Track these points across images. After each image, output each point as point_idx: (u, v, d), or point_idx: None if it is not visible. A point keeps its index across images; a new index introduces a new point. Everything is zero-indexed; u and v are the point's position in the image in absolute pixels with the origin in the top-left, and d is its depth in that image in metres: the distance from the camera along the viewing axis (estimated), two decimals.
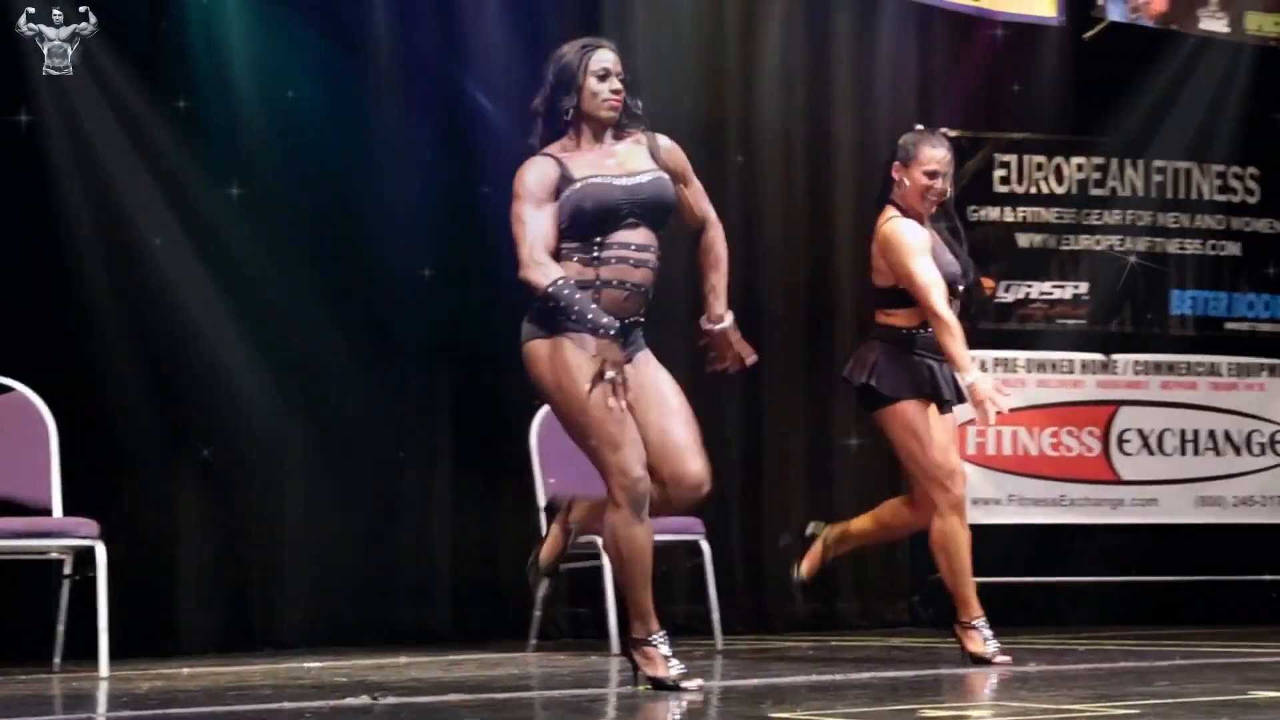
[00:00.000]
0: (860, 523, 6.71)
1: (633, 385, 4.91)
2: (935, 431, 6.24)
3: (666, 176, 5.13)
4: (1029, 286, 9.02)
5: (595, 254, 5.02)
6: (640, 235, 5.06)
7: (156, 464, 7.53)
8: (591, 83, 5.08)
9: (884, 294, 6.34)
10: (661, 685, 4.99)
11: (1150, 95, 9.46)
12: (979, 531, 8.67)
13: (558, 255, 5.01)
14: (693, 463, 5.04)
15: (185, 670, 6.46)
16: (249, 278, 7.78)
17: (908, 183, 6.24)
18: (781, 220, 9.01)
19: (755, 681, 5.68)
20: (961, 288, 6.30)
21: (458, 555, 8.16)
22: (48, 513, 6.68)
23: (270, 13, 7.94)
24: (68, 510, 6.70)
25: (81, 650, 6.53)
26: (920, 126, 6.43)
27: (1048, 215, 9.03)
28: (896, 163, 6.30)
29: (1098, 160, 9.33)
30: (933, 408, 6.28)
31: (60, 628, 6.73)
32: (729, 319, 5.32)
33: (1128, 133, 9.39)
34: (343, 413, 7.86)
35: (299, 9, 7.97)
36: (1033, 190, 9.05)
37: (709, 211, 5.34)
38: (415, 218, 8.08)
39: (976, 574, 6.39)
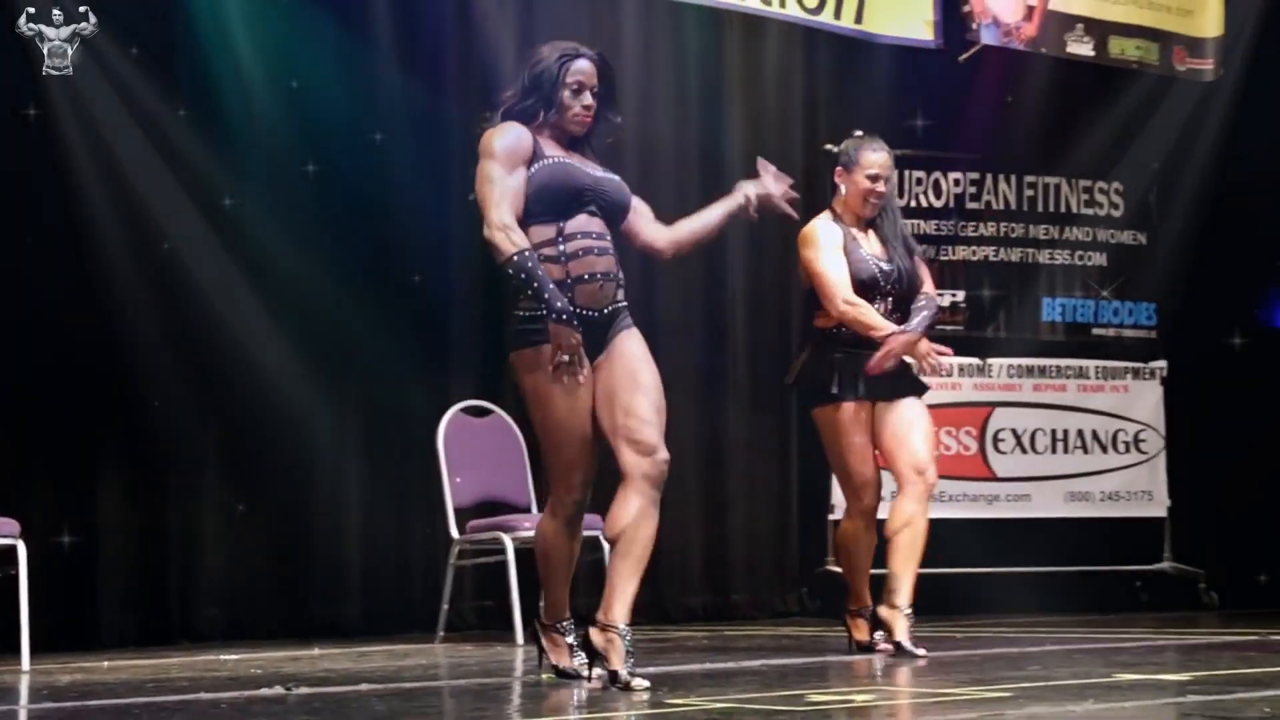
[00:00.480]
0: (892, 558, 6.23)
1: (610, 360, 4.82)
2: (848, 437, 6.15)
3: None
4: None
5: (560, 248, 4.78)
6: (598, 225, 4.87)
7: (75, 466, 7.45)
8: (565, 95, 4.88)
9: (810, 296, 6.27)
10: (564, 674, 4.95)
11: (1021, 114, 9.54)
12: None
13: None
14: (648, 430, 4.81)
15: (105, 663, 6.41)
16: (184, 282, 7.70)
17: (847, 188, 6.21)
18: None
19: (653, 670, 5.65)
20: (887, 285, 6.15)
21: (367, 552, 8.12)
22: None
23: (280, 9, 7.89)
24: None
25: (3, 644, 6.45)
26: (859, 133, 6.34)
27: (926, 227, 9.07)
28: (839, 168, 6.26)
29: (973, 175, 9.39)
30: (907, 403, 6.18)
31: None
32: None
33: (1001, 150, 9.47)
34: (256, 416, 7.79)
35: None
36: (912, 204, 9.09)
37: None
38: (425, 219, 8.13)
39: (871, 568, 6.35)
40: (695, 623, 8.50)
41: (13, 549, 6.36)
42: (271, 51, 7.90)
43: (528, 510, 7.60)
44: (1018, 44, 8.77)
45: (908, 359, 6.12)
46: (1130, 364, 9.54)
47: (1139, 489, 9.40)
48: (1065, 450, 9.33)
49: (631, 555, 4.78)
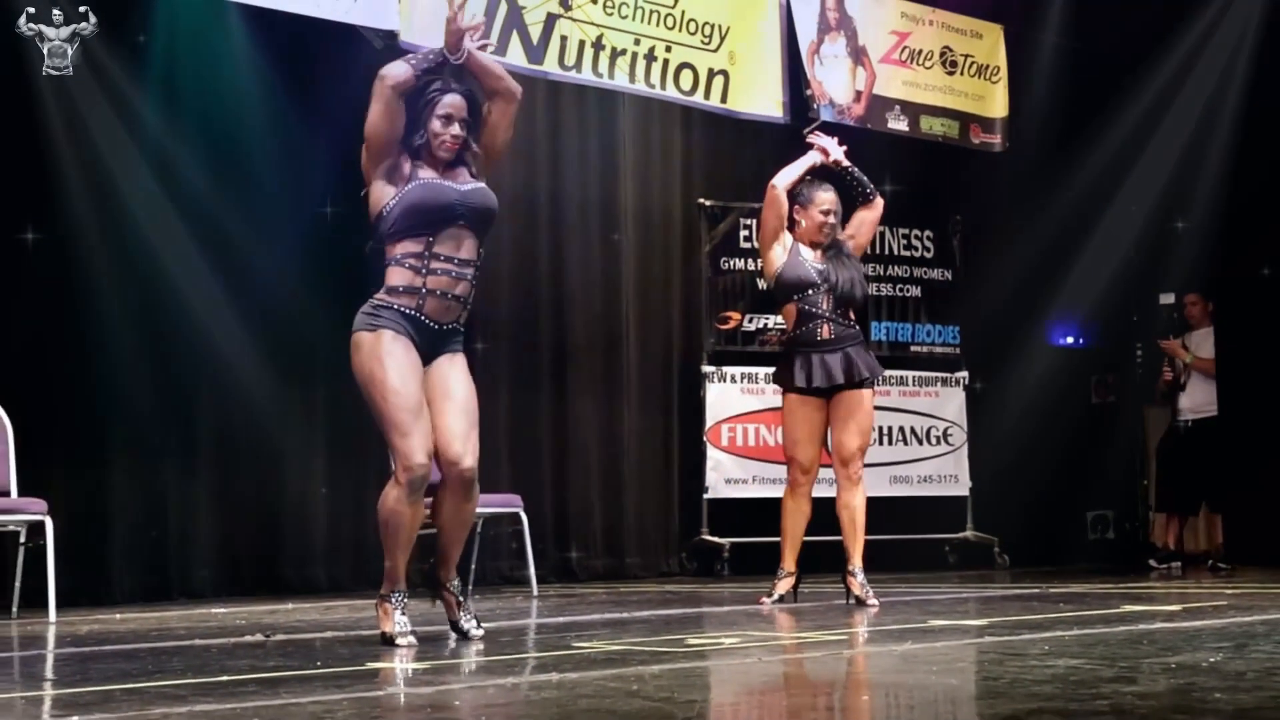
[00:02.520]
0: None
1: (432, 378, 4.44)
2: (799, 427, 6.04)
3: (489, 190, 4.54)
4: (766, 319, 9.09)
5: (425, 264, 4.38)
6: (466, 249, 4.44)
7: (91, 454, 7.31)
8: (435, 124, 4.45)
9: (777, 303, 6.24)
10: (385, 640, 4.44)
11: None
12: (730, 504, 8.81)
13: (391, 263, 4.43)
14: (456, 444, 4.43)
15: (118, 615, 6.31)
16: (167, 287, 7.42)
17: (805, 221, 6.15)
18: (581, 269, 9.01)
19: (562, 619, 5.66)
20: (824, 285, 6.05)
21: (332, 523, 8.04)
22: (5, 494, 6.49)
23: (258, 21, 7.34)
24: (22, 491, 6.52)
25: (34, 601, 6.34)
26: (811, 178, 6.26)
27: None
28: (797, 206, 6.18)
29: None
30: (854, 393, 6.02)
31: (17, 584, 6.51)
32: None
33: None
34: (241, 404, 7.66)
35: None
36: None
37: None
38: None
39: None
40: (597, 581, 8.47)
41: (42, 523, 6.26)
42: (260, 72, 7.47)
43: None
44: (849, 120, 8.83)
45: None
46: (940, 374, 9.63)
47: (947, 473, 9.49)
48: (890, 443, 9.39)
49: (455, 537, 4.60)
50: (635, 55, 7.85)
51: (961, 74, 9.35)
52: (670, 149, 9.38)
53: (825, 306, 6.04)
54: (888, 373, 9.44)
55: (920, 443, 9.46)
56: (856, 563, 6.01)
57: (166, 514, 7.55)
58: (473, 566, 7.63)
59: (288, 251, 7.73)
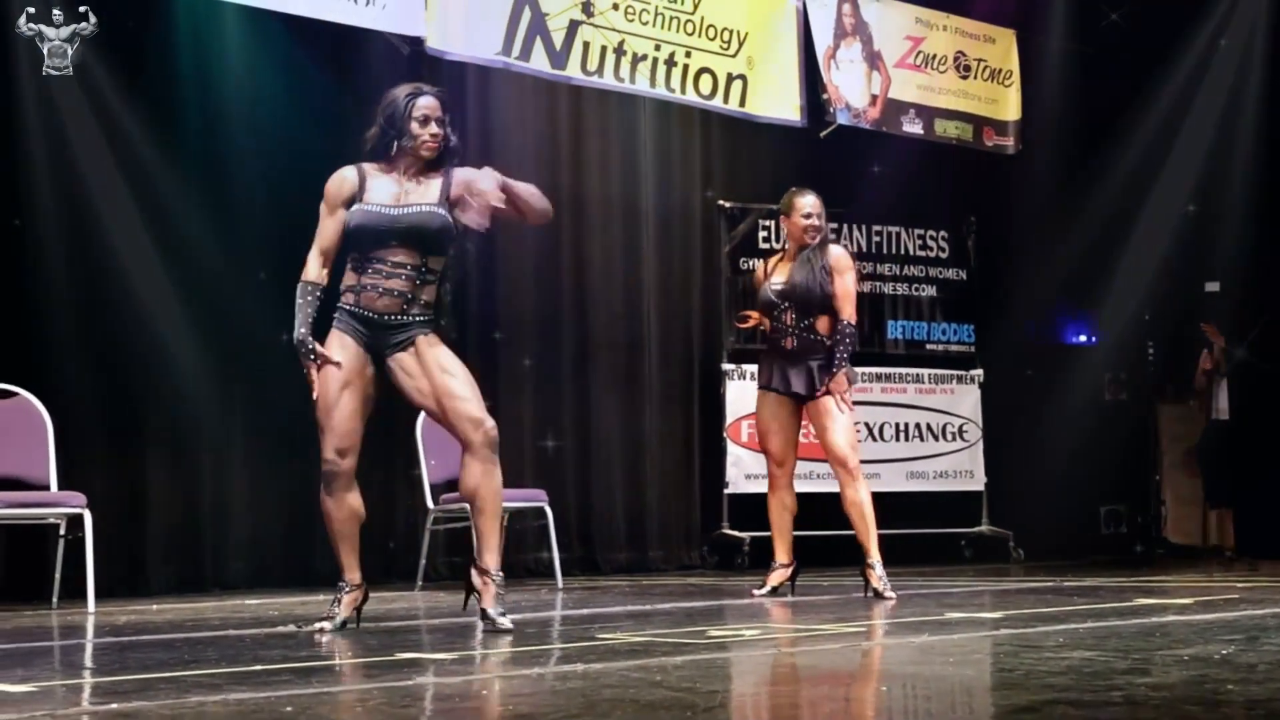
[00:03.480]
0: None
1: (417, 363, 4.56)
2: (768, 420, 6.22)
3: (440, 211, 4.57)
4: None
5: (362, 265, 4.57)
6: (399, 255, 4.55)
7: (129, 450, 7.35)
8: (414, 126, 4.58)
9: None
10: (321, 619, 4.70)
11: (869, 179, 9.61)
12: (750, 499, 8.80)
13: (345, 261, 4.63)
14: (470, 405, 4.56)
15: (154, 606, 6.33)
16: (206, 284, 7.43)
17: (789, 229, 6.29)
18: (602, 268, 9.02)
19: (586, 611, 5.66)
20: (784, 303, 6.17)
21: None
22: (47, 488, 6.51)
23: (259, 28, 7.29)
24: (62, 486, 6.54)
25: (74, 592, 6.37)
26: (795, 188, 6.34)
27: None
28: (781, 216, 6.35)
29: (832, 225, 9.36)
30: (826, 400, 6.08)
31: (57, 575, 6.53)
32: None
33: (855, 205, 9.52)
34: (274, 399, 7.66)
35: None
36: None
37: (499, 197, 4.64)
38: None
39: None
40: (620, 574, 8.48)
41: (80, 516, 6.28)
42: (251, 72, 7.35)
43: None
44: (865, 124, 8.83)
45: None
46: (955, 372, 9.61)
47: (963, 469, 9.46)
48: (906, 439, 9.38)
49: (487, 510, 4.57)
50: (656, 60, 7.86)
51: (975, 78, 9.34)
52: (690, 151, 9.38)
53: (788, 321, 6.19)
54: (904, 370, 9.51)
55: (936, 439, 9.44)
56: (874, 556, 6.02)
57: (201, 508, 7.57)
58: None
59: None
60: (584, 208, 8.96)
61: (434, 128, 4.61)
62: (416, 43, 7.10)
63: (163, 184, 7.38)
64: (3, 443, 6.53)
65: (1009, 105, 9.47)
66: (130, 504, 7.32)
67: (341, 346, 4.61)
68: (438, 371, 4.58)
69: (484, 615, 4.54)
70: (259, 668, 3.69)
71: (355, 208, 4.60)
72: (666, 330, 9.21)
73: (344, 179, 4.64)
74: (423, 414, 7.56)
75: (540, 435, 8.59)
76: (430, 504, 7.42)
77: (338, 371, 4.59)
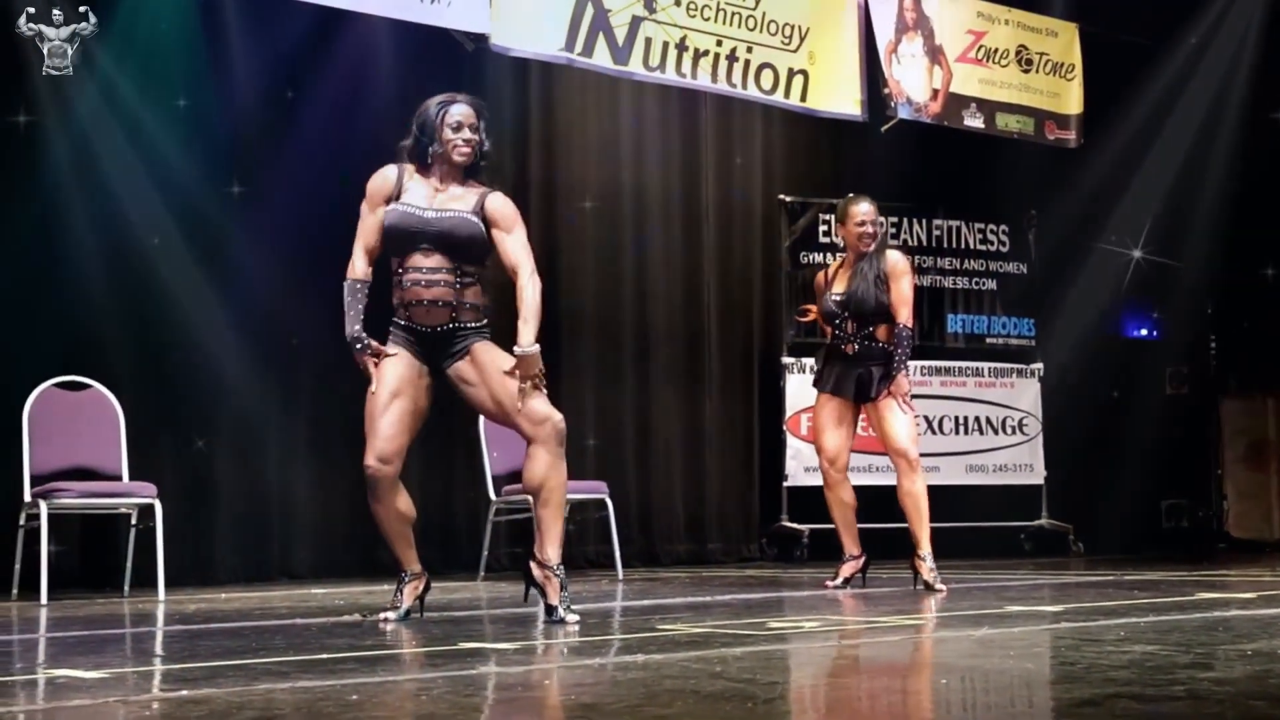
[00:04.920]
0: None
1: (477, 365, 4.57)
2: (824, 417, 6.22)
3: (473, 219, 4.57)
4: None
5: (400, 279, 4.59)
6: (433, 260, 4.54)
7: (198, 440, 7.42)
8: (447, 132, 4.60)
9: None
10: (385, 609, 4.78)
11: (930, 173, 9.55)
12: (809, 492, 8.77)
13: (390, 274, 4.63)
14: (532, 402, 4.53)
15: (223, 595, 6.40)
16: (264, 276, 7.46)
17: (845, 237, 6.31)
18: (663, 262, 9.02)
19: (646, 602, 5.66)
20: (844, 312, 6.16)
21: (425, 508, 8.06)
22: (119, 479, 6.58)
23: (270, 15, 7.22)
24: (133, 476, 6.61)
25: (144, 581, 6.44)
26: (851, 195, 6.33)
27: None
28: (839, 224, 6.39)
29: (893, 219, 9.38)
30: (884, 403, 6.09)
31: (128, 564, 6.62)
32: (528, 348, 4.53)
33: (915, 199, 9.48)
34: (341, 398, 7.72)
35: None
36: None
37: (524, 262, 4.62)
38: None
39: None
40: (679, 566, 8.48)
41: (151, 506, 6.35)
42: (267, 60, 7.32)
43: None
44: (926, 118, 8.77)
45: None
46: (1015, 365, 9.54)
47: (1022, 462, 9.40)
48: (965, 432, 9.32)
49: (552, 502, 4.56)
50: (717, 56, 7.84)
51: (1037, 72, 9.25)
52: (751, 146, 9.36)
53: (849, 330, 6.19)
54: (963, 364, 9.45)
55: (996, 432, 9.38)
56: (925, 548, 6.00)
57: (268, 498, 7.64)
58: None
59: None
60: (645, 202, 8.96)
61: (467, 133, 4.62)
62: (481, 39, 7.12)
63: (232, 180, 7.45)
64: (76, 434, 6.61)
65: (1071, 99, 9.38)
66: (199, 495, 7.39)
67: (396, 356, 4.62)
68: (496, 375, 4.57)
69: (550, 610, 4.51)
70: (325, 656, 3.71)
71: (391, 206, 4.61)
72: (727, 324, 9.20)
73: (385, 177, 4.66)
74: None
75: (601, 427, 8.60)
76: (492, 495, 7.45)
77: (391, 380, 4.60)
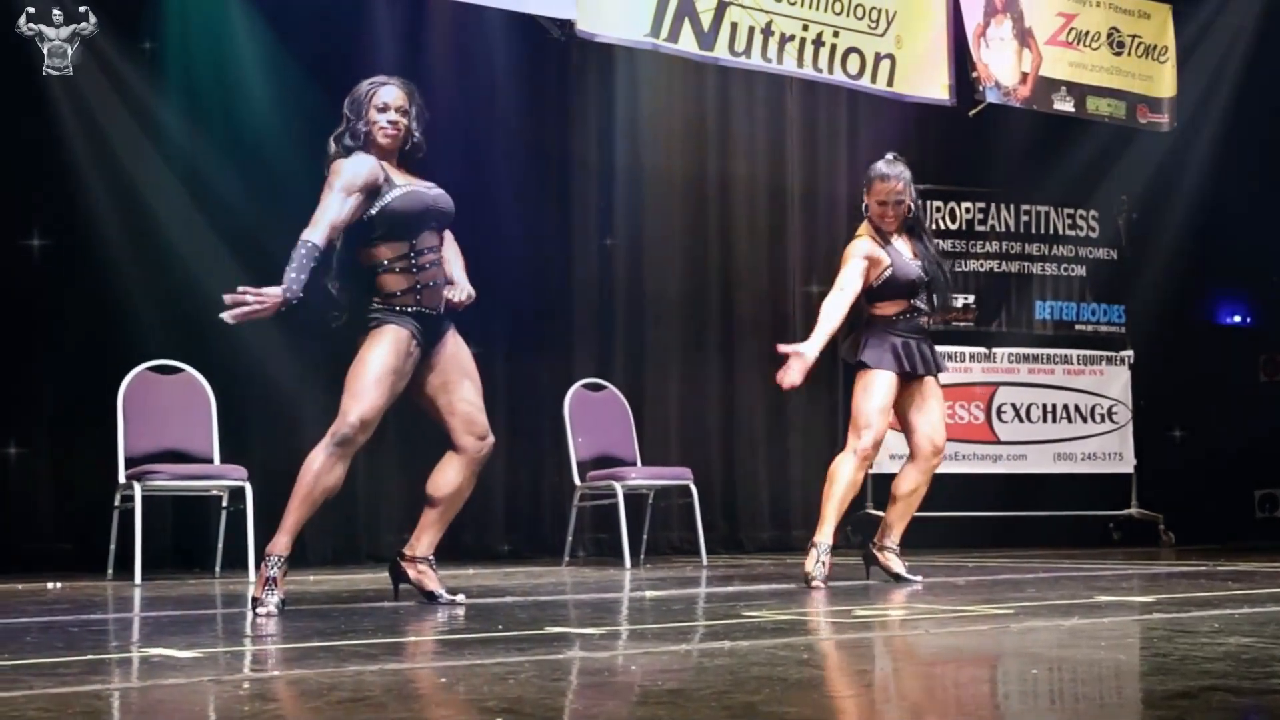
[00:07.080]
0: (891, 509, 6.08)
1: (442, 354, 4.59)
2: (879, 396, 5.77)
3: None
4: None
5: (413, 262, 4.49)
6: (432, 239, 4.57)
7: (287, 424, 7.49)
8: (373, 113, 4.51)
9: (867, 293, 5.83)
10: (254, 602, 4.49)
11: (1019, 156, 9.44)
12: (892, 479, 8.70)
13: (380, 269, 4.50)
14: (482, 415, 4.66)
15: (311, 577, 6.46)
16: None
17: (870, 207, 5.80)
18: (749, 248, 8.99)
19: (731, 589, 5.65)
20: (922, 285, 5.79)
21: (509, 495, 8.14)
22: (210, 461, 6.67)
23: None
24: (224, 459, 6.70)
25: (235, 562, 6.52)
26: (891, 155, 5.86)
27: (944, 245, 8.99)
28: (865, 188, 5.86)
29: (980, 205, 9.29)
30: (928, 379, 5.83)
31: (220, 546, 6.71)
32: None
33: (1003, 184, 9.37)
34: None
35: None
36: (933, 226, 9.00)
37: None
38: None
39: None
40: (764, 552, 8.45)
41: (242, 489, 6.42)
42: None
43: (634, 464, 7.59)
44: (1015, 102, 8.67)
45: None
46: (1104, 353, 9.43)
47: (1112, 450, 9.28)
48: (1054, 420, 9.22)
49: (452, 511, 4.72)
50: (804, 40, 7.79)
51: (1129, 54, 9.11)
52: (836, 132, 9.30)
53: (925, 302, 5.82)
54: (1052, 351, 9.35)
55: (1084, 420, 9.27)
56: (898, 538, 5.89)
57: (356, 481, 7.70)
58: (644, 536, 7.67)
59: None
60: (731, 188, 8.93)
61: (393, 114, 4.54)
62: (567, 26, 7.13)
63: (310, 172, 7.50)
64: (169, 417, 6.70)
65: (1164, 82, 9.23)
66: (288, 478, 7.43)
67: (396, 340, 4.49)
68: (459, 371, 4.62)
69: (434, 598, 4.63)
70: (413, 639, 3.73)
71: (399, 188, 4.49)
72: (811, 310, 9.14)
73: (372, 166, 4.50)
74: (571, 391, 7.65)
75: (685, 414, 8.59)
76: (577, 480, 7.46)
77: (396, 356, 4.48)
